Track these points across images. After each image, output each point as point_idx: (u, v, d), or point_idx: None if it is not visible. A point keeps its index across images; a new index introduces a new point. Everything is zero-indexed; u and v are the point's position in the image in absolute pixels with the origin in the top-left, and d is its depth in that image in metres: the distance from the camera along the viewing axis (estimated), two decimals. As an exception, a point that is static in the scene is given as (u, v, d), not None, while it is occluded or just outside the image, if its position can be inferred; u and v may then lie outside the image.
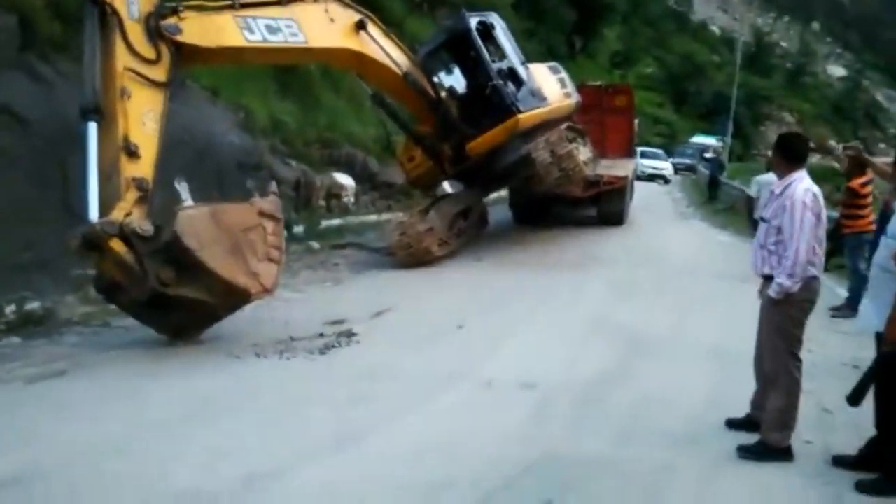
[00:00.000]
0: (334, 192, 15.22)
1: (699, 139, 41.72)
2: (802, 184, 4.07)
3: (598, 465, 3.92)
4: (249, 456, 3.90)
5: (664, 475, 3.85)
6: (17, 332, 6.70)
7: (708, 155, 30.71)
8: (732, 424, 4.47)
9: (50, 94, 8.41)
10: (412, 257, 10.40)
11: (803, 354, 4.20)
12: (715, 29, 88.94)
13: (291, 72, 14.78)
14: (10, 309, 7.04)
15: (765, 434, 4.13)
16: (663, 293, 8.87)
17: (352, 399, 4.92)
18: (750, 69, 58.72)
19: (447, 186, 13.38)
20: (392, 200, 17.50)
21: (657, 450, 4.18)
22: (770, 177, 11.64)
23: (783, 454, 4.06)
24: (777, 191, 4.22)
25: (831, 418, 4.65)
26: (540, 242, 12.58)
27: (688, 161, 36.27)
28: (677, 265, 11.03)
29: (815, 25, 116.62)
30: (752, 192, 11.21)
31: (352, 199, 15.75)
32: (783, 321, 4.11)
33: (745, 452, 4.11)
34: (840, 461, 3.96)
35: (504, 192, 15.86)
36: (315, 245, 11.91)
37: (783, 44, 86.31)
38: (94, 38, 6.24)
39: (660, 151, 33.55)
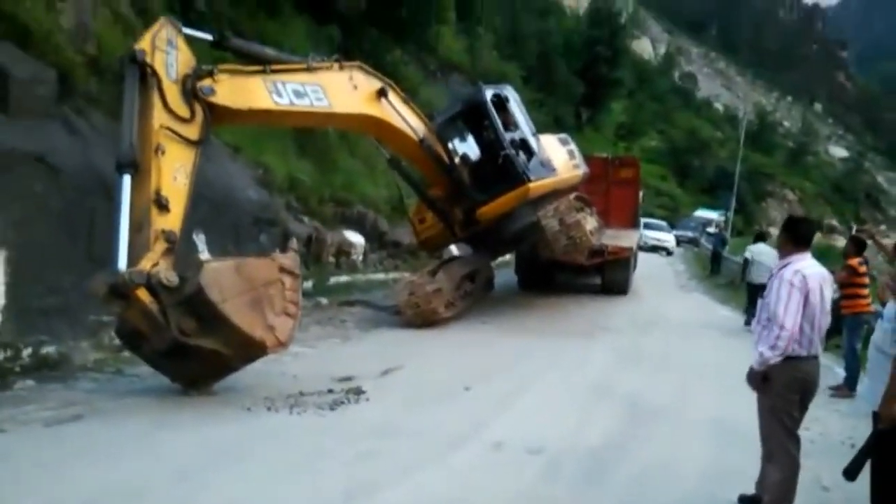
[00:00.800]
0: (344, 250, 15.52)
1: (702, 213, 42.33)
2: (795, 265, 4.26)
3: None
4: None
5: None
6: (32, 376, 6.86)
7: (711, 229, 31.18)
8: (744, 501, 4.55)
9: (83, 146, 8.77)
10: (420, 317, 10.59)
11: (801, 433, 4.33)
12: (719, 106, 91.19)
13: (310, 132, 15.31)
14: (26, 352, 7.21)
15: None
16: (666, 362, 9.02)
17: (361, 455, 5.04)
18: (752, 146, 60.02)
19: (454, 249, 13.68)
20: (399, 260, 17.81)
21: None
22: (760, 247, 12.87)
23: None
24: (775, 270, 4.44)
25: (828, 495, 4.75)
26: (545, 308, 12.79)
27: (690, 234, 36.73)
28: (680, 336, 11.21)
29: (818, 106, 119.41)
30: (747, 255, 13.08)
31: (360, 257, 16.04)
32: (774, 401, 4.24)
33: None
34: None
35: (508, 258, 16.16)
36: (324, 301, 12.11)
37: (786, 123, 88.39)
38: (133, 96, 6.60)
39: (663, 223, 34.02)
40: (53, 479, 4.25)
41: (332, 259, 15.07)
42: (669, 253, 30.48)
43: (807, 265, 4.28)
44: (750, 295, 12.63)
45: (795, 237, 4.42)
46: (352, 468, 4.76)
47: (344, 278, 14.48)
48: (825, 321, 4.30)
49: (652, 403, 7.01)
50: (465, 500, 4.30)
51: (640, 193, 18.08)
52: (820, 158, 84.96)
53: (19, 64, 8.18)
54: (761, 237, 14.09)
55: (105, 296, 5.85)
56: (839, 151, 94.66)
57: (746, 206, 51.63)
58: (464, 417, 6.17)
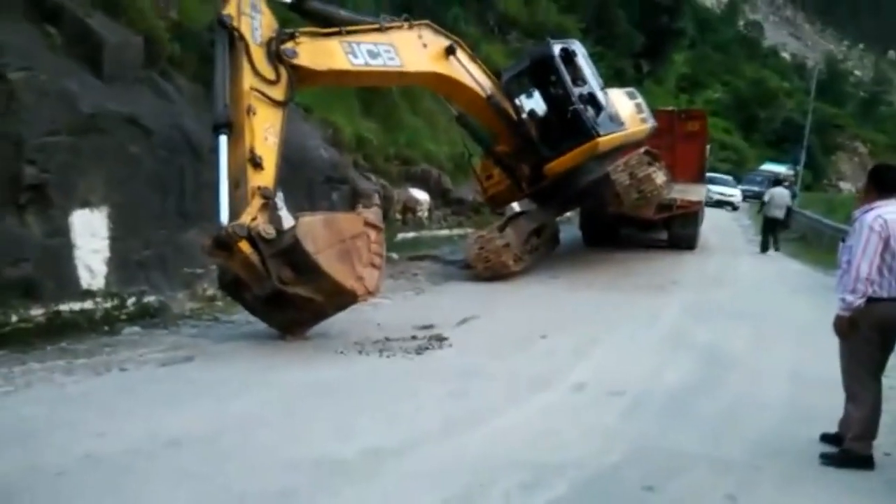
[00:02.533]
0: (410, 207, 15.86)
1: (769, 167, 41.03)
2: (878, 211, 4.34)
3: (691, 459, 4.27)
4: (372, 434, 4.39)
5: (753, 473, 4.18)
6: (137, 323, 7.43)
7: (784, 183, 30.40)
8: (825, 438, 4.68)
9: (170, 108, 9.22)
10: (489, 270, 10.85)
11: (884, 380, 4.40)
12: (786, 55, 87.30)
13: (375, 92, 15.52)
14: (130, 301, 7.78)
15: (847, 443, 4.38)
16: (739, 315, 9.06)
17: (453, 394, 5.37)
18: (822, 97, 57.47)
19: (516, 206, 13.81)
20: (463, 217, 18.07)
21: (744, 452, 4.50)
22: (775, 190, 17.63)
23: (864, 462, 4.30)
24: (856, 215, 4.52)
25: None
26: (612, 264, 12.88)
27: (757, 188, 35.72)
28: (751, 290, 11.19)
29: (892, 54, 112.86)
30: (765, 197, 17.91)
31: (425, 214, 16.36)
32: (856, 343, 4.34)
33: (828, 460, 4.37)
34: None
35: (570, 215, 16.20)
36: (394, 256, 12.46)
37: (857, 72, 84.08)
38: (224, 60, 6.92)
39: (729, 178, 33.26)
40: (177, 411, 4.69)
41: (398, 216, 15.43)
42: (735, 208, 29.88)
43: (890, 210, 4.34)
44: (766, 226, 17.10)
45: (881, 184, 4.48)
46: (444, 405, 5.09)
47: (410, 235, 14.84)
48: None
49: (728, 352, 7.14)
50: (555, 434, 4.58)
51: (708, 147, 17.76)
52: (894, 109, 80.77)
53: (110, 31, 8.61)
54: (777, 182, 19.21)
55: (210, 248, 6.27)
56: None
57: (815, 160, 49.74)
58: (543, 363, 6.44)
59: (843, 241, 4.62)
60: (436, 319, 7.79)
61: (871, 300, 4.26)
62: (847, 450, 4.37)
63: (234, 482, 3.64)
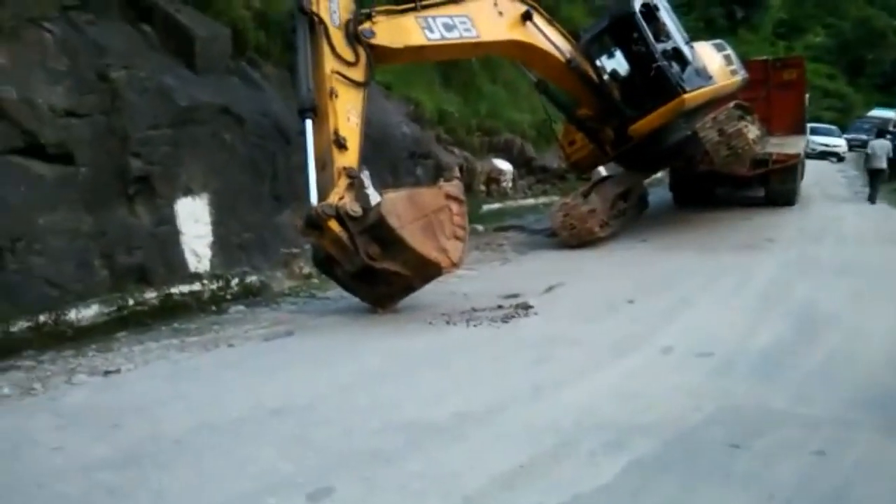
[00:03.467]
0: (493, 177, 15.92)
1: (878, 112, 38.19)
2: None
3: (780, 417, 4.23)
4: (461, 398, 4.58)
5: (845, 429, 4.08)
6: (241, 301, 7.92)
7: (888, 135, 28.45)
8: None
9: (259, 96, 9.67)
10: (575, 237, 10.81)
11: None
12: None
13: (454, 64, 15.58)
14: (234, 281, 8.29)
15: None
16: (840, 271, 8.68)
17: (539, 360, 5.48)
18: (938, 32, 52.73)
19: (602, 170, 13.60)
20: (548, 185, 17.96)
21: (837, 408, 4.40)
22: (878, 142, 17.52)
23: None
24: None
25: None
26: (705, 224, 12.53)
27: (865, 136, 33.42)
28: (854, 245, 10.64)
29: None
30: (868, 150, 17.59)
31: (510, 184, 16.38)
32: None
33: None
34: None
35: (660, 175, 15.78)
36: (479, 227, 12.60)
37: (981, 0, 76.34)
38: (306, 45, 7.16)
39: (833, 127, 31.24)
40: (280, 381, 5.04)
41: (482, 187, 15.52)
42: (840, 159, 28.11)
43: None
44: (871, 178, 17.15)
45: None
46: (533, 370, 5.21)
47: (495, 205, 14.92)
48: None
49: (825, 311, 6.87)
50: (640, 396, 4.61)
51: (806, 96, 16.82)
52: None
53: (198, 24, 9.08)
54: (881, 134, 19.36)
55: (302, 228, 6.61)
56: None
57: (929, 102, 45.94)
58: (630, 327, 6.43)
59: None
60: (521, 288, 7.88)
61: None
62: None
63: (333, 444, 3.91)
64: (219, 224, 8.53)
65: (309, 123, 6.80)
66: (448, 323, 6.64)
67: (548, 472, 3.57)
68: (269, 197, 9.34)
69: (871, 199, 16.58)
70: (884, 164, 16.91)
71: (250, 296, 8.20)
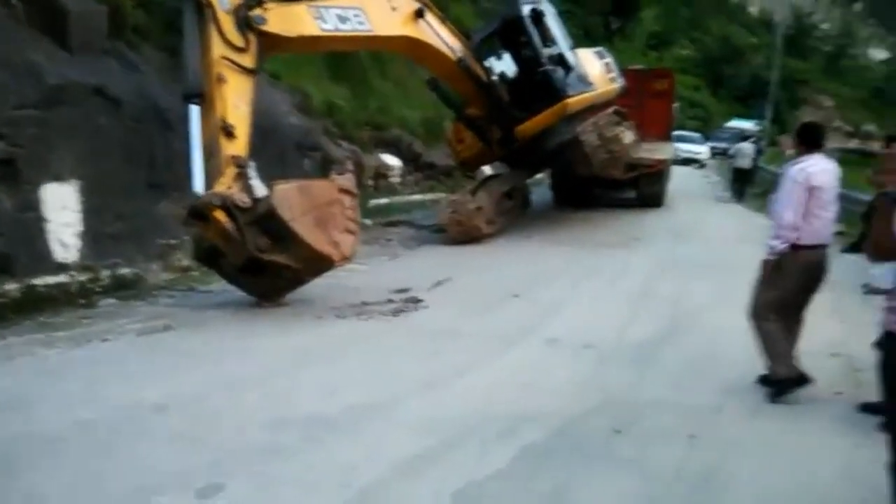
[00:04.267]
0: (382, 173, 15.88)
1: (736, 123, 41.43)
2: (802, 164, 4.69)
3: (657, 405, 4.55)
4: (354, 392, 4.57)
5: (714, 414, 4.48)
6: (112, 295, 7.45)
7: (752, 139, 31.00)
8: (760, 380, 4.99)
9: (137, 78, 9.12)
10: (463, 234, 11.01)
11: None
12: (753, 10, 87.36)
13: (343, 56, 15.39)
14: (105, 273, 7.80)
15: (769, 370, 4.82)
16: (704, 268, 9.34)
17: (430, 353, 5.56)
18: (789, 52, 57.78)
19: (487, 169, 13.91)
20: (435, 181, 18.11)
21: (707, 396, 4.79)
22: (741, 144, 19.95)
23: (795, 383, 4.68)
24: (785, 168, 4.92)
25: (860, 375, 5.14)
26: (582, 222, 13.11)
27: (725, 145, 36.12)
28: (716, 244, 11.50)
29: (858, 6, 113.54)
30: (731, 150, 20.70)
31: (398, 180, 16.40)
32: (783, 286, 4.73)
33: (770, 397, 4.73)
34: (867, 407, 4.47)
35: (539, 176, 16.35)
36: (367, 222, 12.51)
37: (824, 26, 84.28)
38: (193, 29, 6.87)
39: (696, 135, 33.57)
40: (161, 377, 4.81)
41: (370, 182, 15.44)
42: (702, 165, 30.28)
43: (813, 163, 4.70)
44: (735, 177, 19.30)
45: (804, 140, 4.87)
46: (424, 363, 5.28)
47: (383, 200, 14.87)
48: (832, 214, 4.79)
49: (693, 303, 7.41)
50: (529, 386, 4.80)
51: (675, 105, 17.97)
52: (859, 62, 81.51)
53: (72, 1, 8.45)
54: (744, 138, 22.04)
55: (185, 218, 6.32)
56: (880, 54, 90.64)
57: (782, 115, 50.28)
58: (517, 320, 6.65)
59: (773, 194, 4.97)
60: (411, 283, 7.94)
61: (795, 247, 4.63)
62: (766, 376, 4.78)
63: (222, 440, 3.80)
64: (89, 212, 7.97)
65: (195, 109, 6.53)
66: (338, 317, 6.59)
67: (442, 461, 3.66)
68: (146, 185, 8.82)
69: (739, 195, 18.45)
70: (748, 165, 19.05)
71: (123, 289, 7.72)
